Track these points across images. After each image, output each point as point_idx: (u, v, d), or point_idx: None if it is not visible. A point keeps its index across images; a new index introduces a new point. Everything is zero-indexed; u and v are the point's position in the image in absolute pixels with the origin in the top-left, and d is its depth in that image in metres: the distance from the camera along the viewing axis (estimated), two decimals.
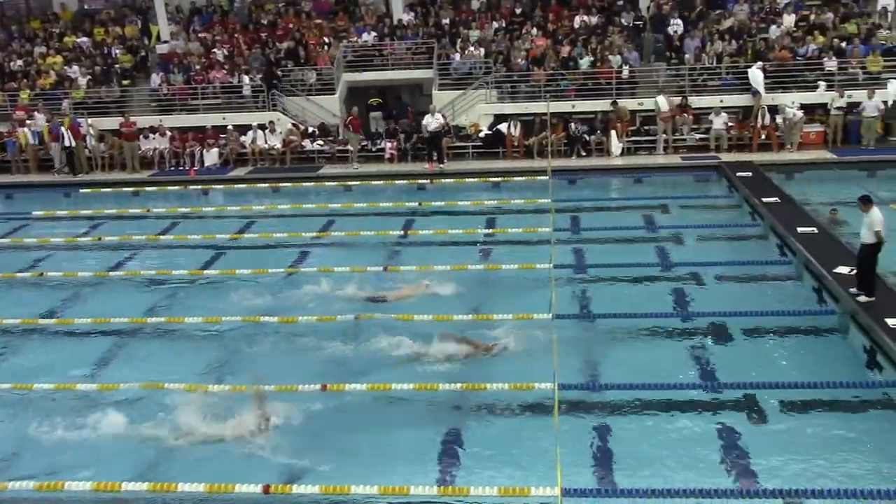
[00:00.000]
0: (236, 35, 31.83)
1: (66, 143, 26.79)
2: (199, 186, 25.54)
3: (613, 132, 25.68)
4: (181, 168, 27.10)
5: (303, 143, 27.39)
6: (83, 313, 15.93)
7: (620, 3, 31.33)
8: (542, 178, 22.38)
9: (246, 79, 28.83)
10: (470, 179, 24.86)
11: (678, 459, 10.32)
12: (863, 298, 13.35)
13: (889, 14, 29.17)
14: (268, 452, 10.78)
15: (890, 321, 12.51)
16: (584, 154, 25.92)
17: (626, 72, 27.42)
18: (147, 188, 25.69)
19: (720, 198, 22.33)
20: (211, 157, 27.10)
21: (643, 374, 12.24)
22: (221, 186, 25.52)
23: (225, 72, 29.45)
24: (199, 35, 32.04)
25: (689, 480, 9.74)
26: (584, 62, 27.87)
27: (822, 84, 26.23)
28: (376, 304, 15.55)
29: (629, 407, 11.62)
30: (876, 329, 12.45)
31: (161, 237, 20.96)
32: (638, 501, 9.56)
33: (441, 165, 25.50)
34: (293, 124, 27.76)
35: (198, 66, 29.85)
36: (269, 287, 16.83)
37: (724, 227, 19.76)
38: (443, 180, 24.82)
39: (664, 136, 25.88)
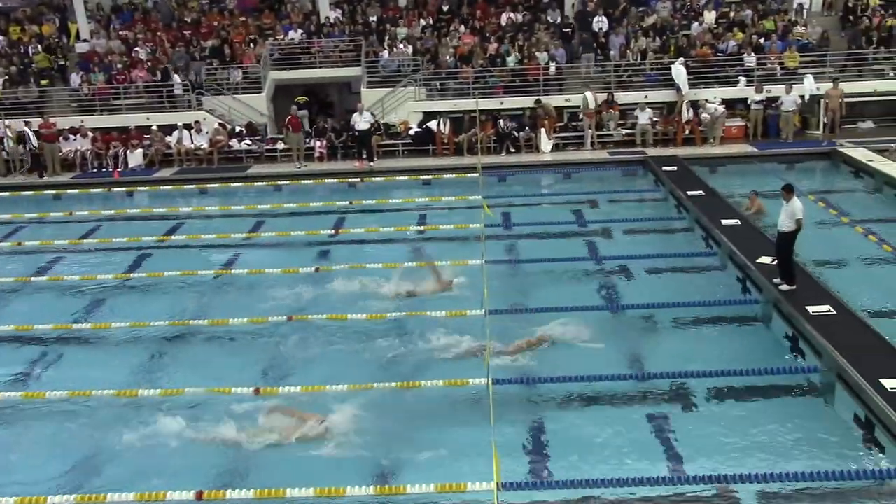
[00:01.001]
0: (159, 33, 31.21)
1: (33, 145, 26.02)
2: (124, 188, 24.96)
3: (542, 129, 25.93)
4: (104, 170, 26.43)
5: (230, 143, 26.99)
6: (5, 320, 15.45)
7: (546, 0, 31.65)
8: (472, 174, 22.48)
9: (176, 78, 28.25)
10: (400, 177, 24.84)
11: (612, 449, 10.49)
12: (784, 287, 13.75)
13: (805, 11, 30.08)
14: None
15: (811, 309, 12.92)
16: (513, 150, 26.12)
17: (552, 69, 27.71)
18: (69, 191, 25.01)
19: (647, 192, 22.73)
20: (135, 158, 26.50)
21: (575, 366, 12.39)
22: (147, 188, 24.98)
23: (147, 71, 28.84)
24: (121, 33, 31.29)
25: (622, 469, 9.89)
26: (512, 59, 28.09)
27: (743, 79, 26.92)
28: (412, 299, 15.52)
29: (563, 399, 11.75)
30: (797, 317, 12.85)
31: (84, 241, 20.42)
32: (573, 492, 9.65)
33: (371, 164, 25.41)
34: (220, 124, 27.32)
35: (119, 65, 29.17)
36: (198, 289, 16.60)
37: (651, 221, 20.14)
38: (373, 178, 24.74)
39: (590, 131, 26.22)
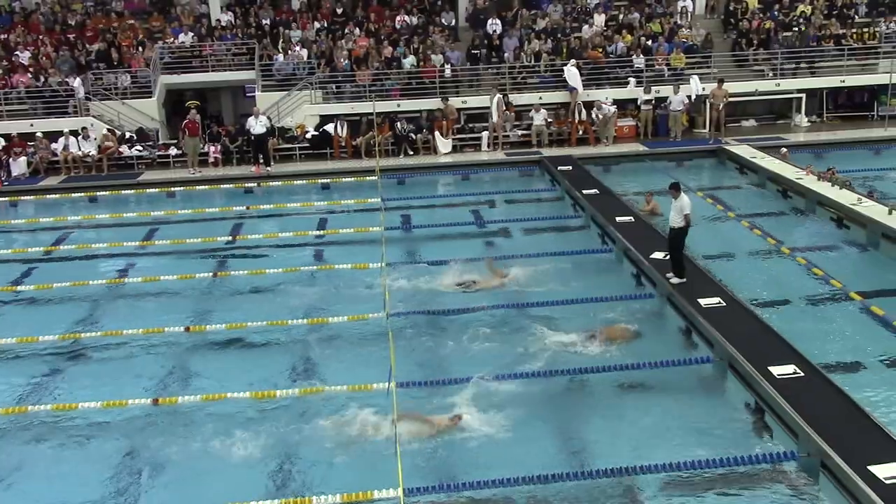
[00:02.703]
0: (41, 37, 30.03)
1: None
2: (7, 198, 23.92)
3: (438, 131, 26.05)
4: None
5: (120, 149, 26.18)
6: None
7: (440, 3, 31.84)
8: (370, 177, 22.44)
9: (78, 81, 27.14)
10: (298, 181, 24.56)
11: (515, 447, 10.59)
12: (675, 280, 14.20)
13: (689, 14, 31.15)
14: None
15: (702, 301, 13.37)
16: (411, 153, 26.17)
17: (448, 71, 27.89)
18: None
19: (543, 191, 23.12)
20: (18, 166, 25.40)
21: (479, 367, 12.49)
22: (32, 197, 23.99)
23: (30, 76, 27.72)
24: None
25: (526, 467, 9.97)
26: (408, 62, 28.14)
27: (632, 80, 27.67)
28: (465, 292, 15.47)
29: (467, 400, 11.79)
30: (689, 309, 13.28)
31: None
32: (480, 493, 9.68)
33: (268, 168, 25.04)
34: (108, 129, 26.46)
35: None
36: (90, 300, 16.08)
37: (548, 220, 20.48)
38: (270, 183, 24.40)
39: (491, 132, 26.45)
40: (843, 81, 28.27)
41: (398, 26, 30.39)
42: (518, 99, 27.44)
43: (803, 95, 28.05)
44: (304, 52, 28.49)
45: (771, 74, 28.33)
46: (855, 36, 29.46)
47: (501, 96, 26.45)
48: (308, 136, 26.70)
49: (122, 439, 11.17)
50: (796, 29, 29.48)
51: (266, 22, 30.44)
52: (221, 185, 24.40)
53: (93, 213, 22.79)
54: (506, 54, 28.73)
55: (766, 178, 21.98)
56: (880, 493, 8.53)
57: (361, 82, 27.59)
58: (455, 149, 26.47)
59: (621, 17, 30.86)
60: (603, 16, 30.67)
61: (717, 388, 11.93)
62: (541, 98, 27.24)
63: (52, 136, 26.02)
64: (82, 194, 24.16)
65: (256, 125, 24.92)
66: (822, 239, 17.84)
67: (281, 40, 29.19)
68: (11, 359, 13.87)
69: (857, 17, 30.92)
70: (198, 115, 26.23)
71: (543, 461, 10.19)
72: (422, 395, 11.87)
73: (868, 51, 28.84)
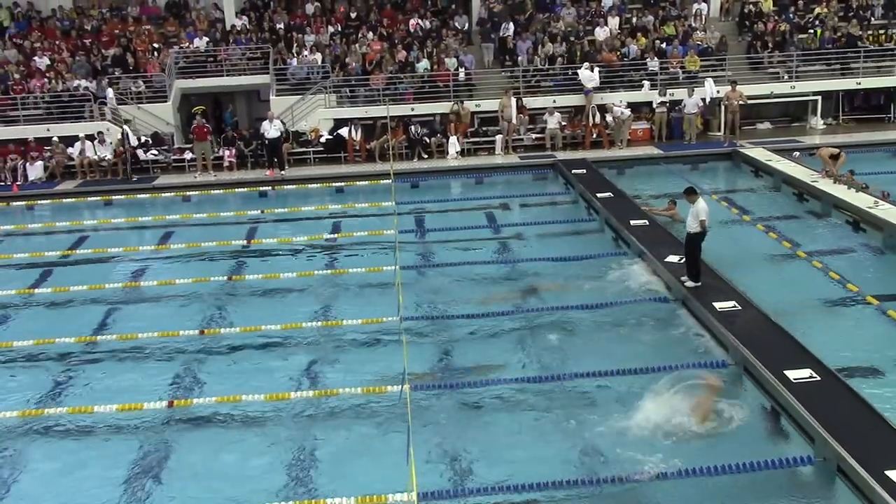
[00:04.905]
0: (58, 42, 30.24)
1: (133, 143, 25.60)
2: (24, 202, 24.08)
3: (451, 135, 26.04)
4: (2, 184, 25.44)
5: (136, 153, 26.30)
6: None
7: (453, 6, 31.87)
8: (385, 181, 22.44)
9: (110, 92, 27.23)
10: (312, 185, 24.62)
11: (533, 453, 10.56)
12: (690, 284, 14.15)
13: (703, 16, 31.03)
14: None
15: (717, 305, 13.31)
16: (425, 156, 26.19)
17: (462, 74, 27.90)
18: None
19: (557, 195, 23.07)
20: (35, 170, 25.57)
21: (494, 371, 12.46)
22: (48, 201, 24.13)
23: (46, 81, 27.90)
24: (16, 42, 30.19)
25: (542, 474, 9.93)
26: (421, 65, 28.17)
27: (647, 83, 27.59)
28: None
29: (479, 404, 11.79)
30: (704, 313, 13.22)
31: None
32: (493, 498, 9.65)
33: (282, 172, 25.11)
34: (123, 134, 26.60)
35: (16, 76, 28.14)
36: (106, 303, 16.17)
37: (562, 223, 20.44)
38: (285, 187, 24.46)
39: (506, 136, 26.43)
40: (860, 84, 28.12)
41: (412, 30, 30.43)
42: (532, 102, 27.40)
43: (819, 98, 27.91)
44: (318, 57, 28.56)
45: (786, 77, 28.20)
46: (871, 38, 29.28)
47: (515, 98, 26.45)
48: (322, 139, 26.76)
49: (138, 442, 11.22)
50: (812, 31, 29.32)
51: (280, 26, 30.54)
52: (236, 189, 24.47)
53: (108, 217, 22.90)
54: (519, 57, 28.71)
55: (781, 180, 21.88)
56: None
57: (375, 86, 27.63)
58: (468, 152, 26.45)
59: (635, 19, 30.77)
60: (617, 19, 30.61)
61: (732, 392, 11.86)
62: (555, 101, 27.20)
63: (69, 140, 26.20)
64: (98, 198, 24.30)
65: (271, 129, 25.00)
66: (838, 242, 17.73)
67: (295, 44, 29.29)
68: (28, 361, 13.96)
69: (873, 18, 30.74)
70: (203, 119, 26.34)
71: (554, 466, 10.16)
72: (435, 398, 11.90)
73: (884, 53, 28.65)
